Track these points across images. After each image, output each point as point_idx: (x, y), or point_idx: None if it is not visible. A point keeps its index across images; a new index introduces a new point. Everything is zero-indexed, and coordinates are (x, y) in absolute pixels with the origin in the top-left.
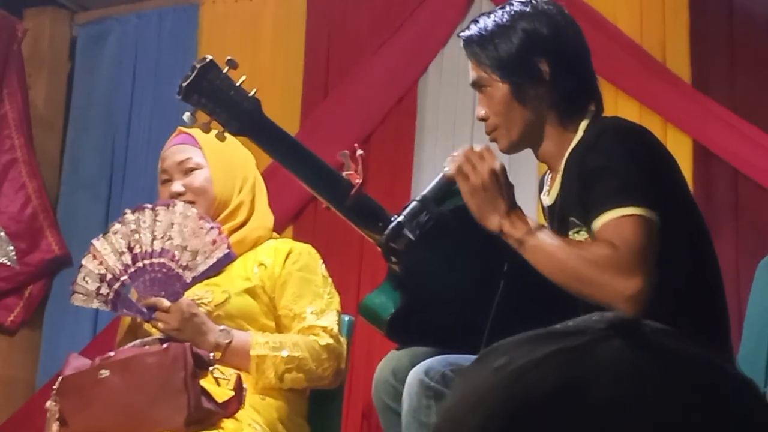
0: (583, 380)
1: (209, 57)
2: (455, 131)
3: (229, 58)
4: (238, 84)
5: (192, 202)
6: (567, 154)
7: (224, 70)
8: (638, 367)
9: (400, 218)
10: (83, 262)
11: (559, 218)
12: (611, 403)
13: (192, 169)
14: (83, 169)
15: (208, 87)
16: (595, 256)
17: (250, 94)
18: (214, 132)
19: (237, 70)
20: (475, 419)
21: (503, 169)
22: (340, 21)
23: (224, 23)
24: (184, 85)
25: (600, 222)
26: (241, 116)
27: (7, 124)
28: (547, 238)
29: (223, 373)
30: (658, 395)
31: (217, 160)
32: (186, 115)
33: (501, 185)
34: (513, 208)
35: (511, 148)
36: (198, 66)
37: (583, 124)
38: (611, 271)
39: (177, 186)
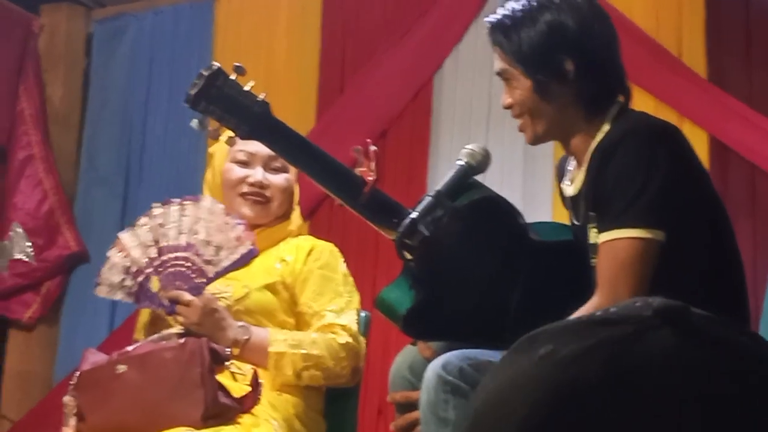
0: (632, 372)
1: (216, 64)
2: (471, 126)
3: (236, 64)
4: (246, 89)
5: (263, 200)
6: (593, 149)
7: (232, 76)
8: (688, 358)
9: (414, 214)
10: (109, 253)
11: (581, 210)
12: (661, 394)
13: (279, 169)
14: (100, 165)
15: (215, 94)
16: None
17: (259, 98)
18: None
19: (252, 68)
20: (519, 407)
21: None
22: (355, 17)
23: (239, 20)
24: (191, 93)
25: (602, 238)
26: (250, 121)
27: (24, 120)
28: None
29: (240, 369)
30: (708, 384)
31: (294, 171)
32: (194, 122)
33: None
34: None
35: (536, 141)
36: (205, 74)
37: (610, 118)
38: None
39: (261, 174)
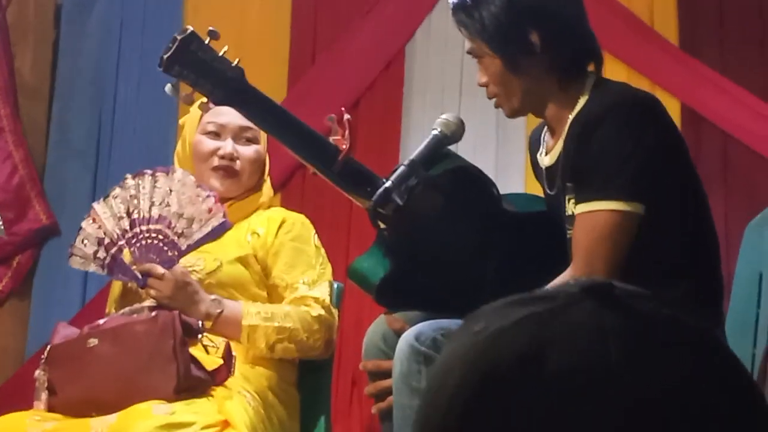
0: (551, 342)
1: (190, 28)
2: (443, 96)
3: (210, 28)
4: (220, 54)
5: (233, 173)
6: (570, 119)
7: (206, 41)
8: (603, 329)
9: (388, 183)
10: (83, 224)
11: (558, 181)
12: (575, 364)
13: (250, 141)
14: (70, 137)
15: (189, 58)
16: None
17: (233, 63)
18: None
19: (224, 36)
20: (451, 382)
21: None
22: None
23: None
24: (165, 57)
25: (579, 209)
26: (224, 86)
27: None
28: None
29: (212, 341)
30: (621, 356)
31: (265, 143)
32: (168, 87)
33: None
34: None
35: (515, 114)
36: (179, 37)
37: (587, 88)
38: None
39: (231, 146)
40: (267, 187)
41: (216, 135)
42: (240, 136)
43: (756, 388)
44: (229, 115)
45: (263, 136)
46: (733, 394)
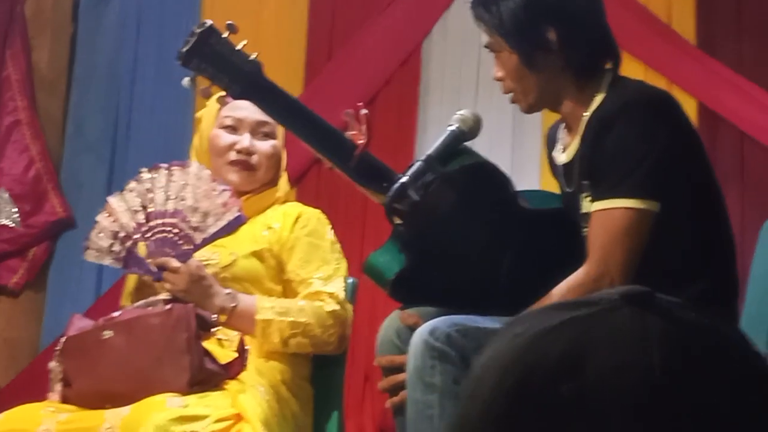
0: (592, 346)
1: (209, 22)
2: (460, 92)
3: (229, 22)
4: (238, 48)
5: (250, 167)
6: (587, 117)
7: (224, 35)
8: (645, 334)
9: (405, 179)
10: (98, 218)
11: (575, 178)
12: (617, 368)
13: (268, 135)
14: (87, 131)
15: (208, 52)
16: (572, 283)
17: (251, 57)
18: None
19: (241, 32)
20: (489, 384)
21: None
22: None
23: None
24: (183, 50)
25: (595, 207)
26: (242, 80)
27: (10, 86)
28: None
29: (226, 335)
30: (664, 361)
31: (282, 138)
32: (185, 81)
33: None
34: None
35: (531, 110)
36: (198, 31)
37: (604, 86)
38: (584, 285)
39: (248, 140)
40: (283, 182)
41: (233, 129)
42: (257, 130)
43: None
44: (247, 110)
45: (280, 131)
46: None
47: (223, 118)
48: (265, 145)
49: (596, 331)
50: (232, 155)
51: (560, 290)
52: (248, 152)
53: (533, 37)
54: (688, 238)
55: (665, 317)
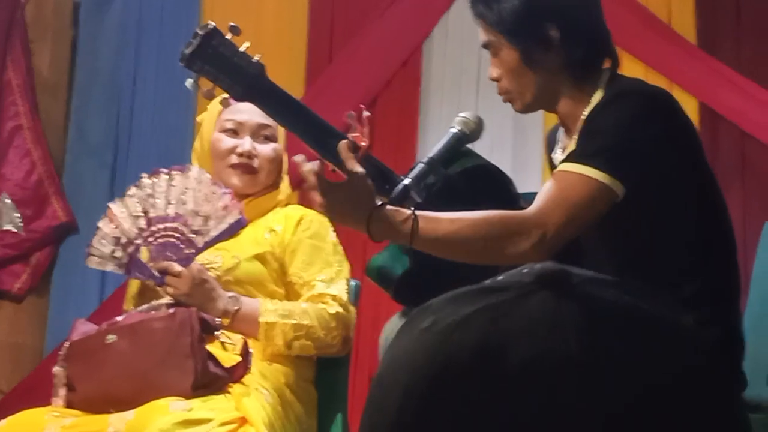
0: (507, 336)
1: (212, 24)
2: (461, 94)
3: (231, 24)
4: (241, 50)
5: (251, 170)
6: (585, 116)
7: (227, 36)
8: (560, 320)
9: (407, 181)
10: (99, 224)
11: None
12: (533, 358)
13: (269, 139)
14: (88, 135)
15: (211, 53)
16: (499, 215)
17: (254, 59)
18: None
19: (241, 34)
20: (401, 382)
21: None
22: None
23: None
24: (186, 52)
25: (559, 168)
26: (245, 81)
27: (11, 90)
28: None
29: (229, 338)
30: (581, 346)
31: (283, 140)
32: (188, 82)
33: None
34: None
35: (526, 110)
36: (201, 33)
37: (602, 84)
38: (513, 222)
39: (249, 144)
40: (285, 185)
41: (234, 132)
42: (258, 134)
43: (717, 373)
44: (248, 113)
45: (281, 133)
46: (694, 378)
47: (224, 122)
48: (266, 149)
49: (510, 321)
50: (234, 159)
51: (492, 214)
52: (249, 155)
53: (534, 34)
54: (685, 237)
55: (581, 300)
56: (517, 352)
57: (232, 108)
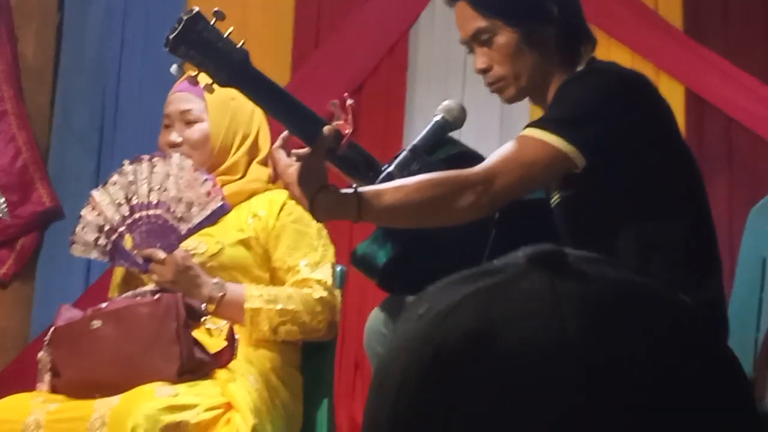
0: (501, 319)
1: (196, 8)
2: (447, 81)
3: (216, 9)
4: (225, 35)
5: (188, 155)
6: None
7: (212, 22)
8: (556, 299)
9: (391, 168)
10: (82, 212)
11: None
12: (529, 339)
13: (192, 122)
14: (74, 120)
15: (195, 39)
16: (443, 174)
17: (239, 45)
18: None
19: (226, 21)
20: (398, 369)
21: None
22: None
23: None
24: (171, 37)
25: (520, 133)
26: (229, 67)
27: None
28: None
29: (215, 324)
30: (577, 325)
31: (218, 114)
32: (173, 68)
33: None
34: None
35: (518, 96)
36: (185, 18)
37: (580, 68)
38: (457, 180)
39: (175, 136)
40: (256, 170)
41: (167, 126)
42: (182, 120)
43: (716, 350)
44: (173, 103)
45: (212, 114)
46: (694, 355)
47: (163, 118)
48: (190, 132)
49: (503, 303)
50: (171, 151)
51: (437, 175)
52: (175, 145)
53: (537, 10)
54: (656, 213)
55: (577, 278)
56: (509, 333)
57: (166, 101)
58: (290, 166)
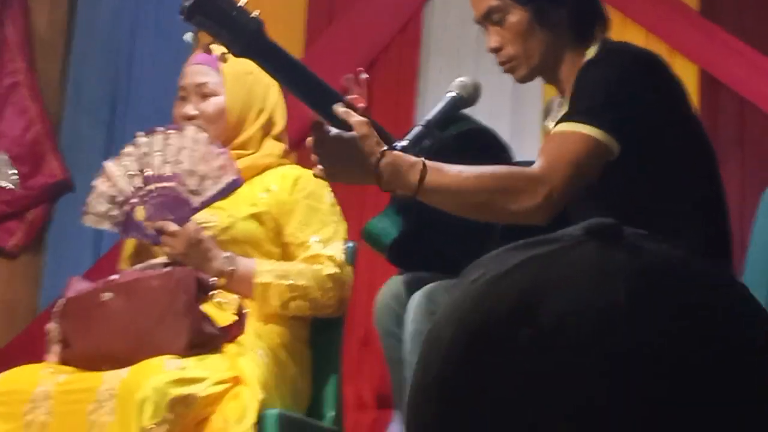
0: (553, 285)
1: None
2: (460, 57)
3: None
4: (240, 5)
5: (203, 128)
6: (576, 77)
7: None
8: (609, 269)
9: (404, 143)
10: (95, 183)
11: None
12: (580, 306)
13: (208, 95)
14: (85, 93)
15: (210, 7)
16: (505, 170)
17: (253, 15)
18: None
19: None
20: (449, 332)
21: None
22: None
23: None
24: (187, 5)
25: (555, 129)
26: (244, 37)
27: (8, 47)
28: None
29: (225, 298)
30: (631, 296)
31: (234, 88)
32: (188, 35)
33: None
34: None
35: (530, 75)
36: None
37: (593, 48)
38: (520, 178)
39: (190, 109)
40: (270, 145)
41: (183, 99)
42: (198, 93)
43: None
44: (190, 75)
45: (229, 87)
46: (750, 335)
47: (178, 90)
48: (205, 106)
49: (555, 270)
50: (186, 124)
51: (500, 168)
52: (190, 117)
53: None
54: (672, 194)
55: (632, 250)
56: (561, 300)
57: (182, 73)
58: (332, 144)
